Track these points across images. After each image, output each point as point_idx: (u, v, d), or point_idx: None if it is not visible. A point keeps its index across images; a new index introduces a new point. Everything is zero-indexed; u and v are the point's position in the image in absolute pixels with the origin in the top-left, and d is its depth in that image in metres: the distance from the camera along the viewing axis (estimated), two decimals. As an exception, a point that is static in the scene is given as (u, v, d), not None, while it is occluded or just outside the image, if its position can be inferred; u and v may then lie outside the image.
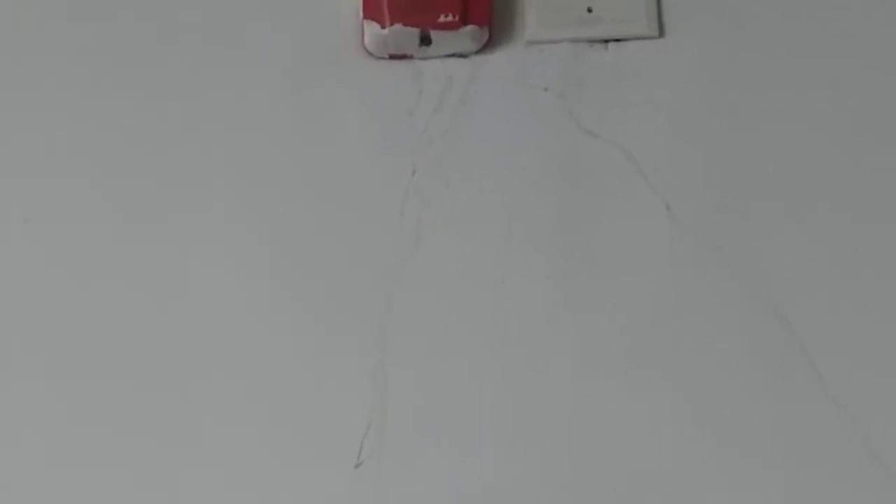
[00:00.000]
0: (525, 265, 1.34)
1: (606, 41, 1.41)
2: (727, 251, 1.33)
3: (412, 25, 1.39)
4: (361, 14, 1.42)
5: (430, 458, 1.28)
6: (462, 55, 1.41)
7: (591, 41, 1.40)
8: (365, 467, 1.29)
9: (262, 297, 1.34)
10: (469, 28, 1.40)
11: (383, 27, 1.40)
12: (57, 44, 1.45)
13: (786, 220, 1.33)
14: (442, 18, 1.39)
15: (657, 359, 1.30)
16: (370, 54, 1.41)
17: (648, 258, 1.33)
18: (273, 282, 1.35)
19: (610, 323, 1.31)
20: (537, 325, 1.32)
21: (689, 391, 1.29)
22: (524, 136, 1.38)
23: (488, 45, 1.41)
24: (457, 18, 1.39)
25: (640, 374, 1.30)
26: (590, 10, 1.41)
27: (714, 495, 1.26)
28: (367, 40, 1.41)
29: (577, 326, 1.31)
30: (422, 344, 1.32)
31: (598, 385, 1.29)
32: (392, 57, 1.41)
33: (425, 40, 1.40)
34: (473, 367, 1.31)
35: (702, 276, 1.32)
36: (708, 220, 1.34)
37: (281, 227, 1.37)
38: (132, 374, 1.33)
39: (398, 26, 1.39)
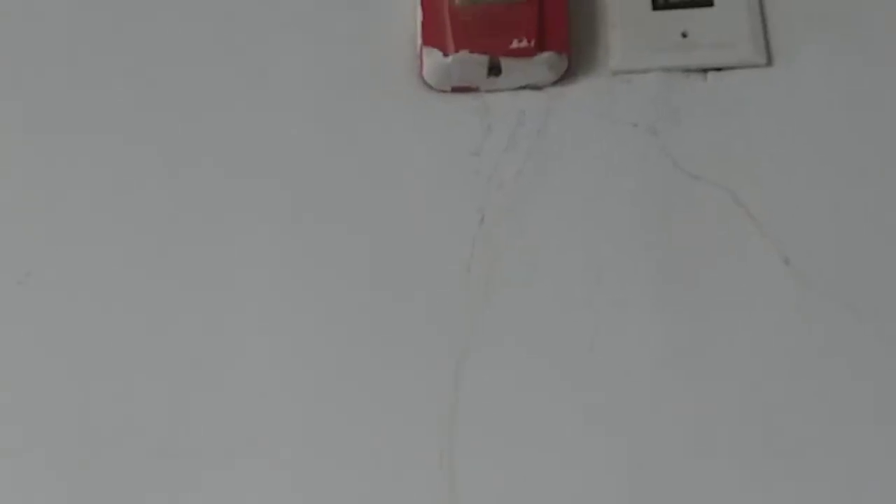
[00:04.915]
0: (619, 329, 1.18)
1: (705, 70, 1.27)
2: (860, 310, 1.16)
3: (480, 52, 1.25)
4: (420, 40, 1.28)
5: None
6: (536, 87, 1.27)
7: (687, 70, 1.27)
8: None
9: (315, 367, 1.18)
10: (546, 55, 1.26)
11: (446, 55, 1.26)
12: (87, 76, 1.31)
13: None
14: (515, 44, 1.25)
15: (784, 433, 1.12)
16: (430, 87, 1.28)
17: (768, 318, 1.17)
18: (328, 351, 1.19)
19: (729, 392, 1.14)
20: (638, 396, 1.15)
21: (832, 480, 1.10)
22: (612, 179, 1.23)
23: (567, 75, 1.27)
24: (532, 44, 1.25)
25: (765, 455, 1.12)
26: (685, 35, 1.28)
27: None
28: (426, 71, 1.27)
29: (687, 395, 1.14)
30: (496, 427, 1.15)
31: (715, 465, 1.12)
32: (455, 90, 1.27)
33: (494, 69, 1.26)
34: (562, 452, 1.13)
35: (833, 339, 1.16)
36: (835, 275, 1.18)
37: (333, 288, 1.21)
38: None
39: (464, 53, 1.26)
